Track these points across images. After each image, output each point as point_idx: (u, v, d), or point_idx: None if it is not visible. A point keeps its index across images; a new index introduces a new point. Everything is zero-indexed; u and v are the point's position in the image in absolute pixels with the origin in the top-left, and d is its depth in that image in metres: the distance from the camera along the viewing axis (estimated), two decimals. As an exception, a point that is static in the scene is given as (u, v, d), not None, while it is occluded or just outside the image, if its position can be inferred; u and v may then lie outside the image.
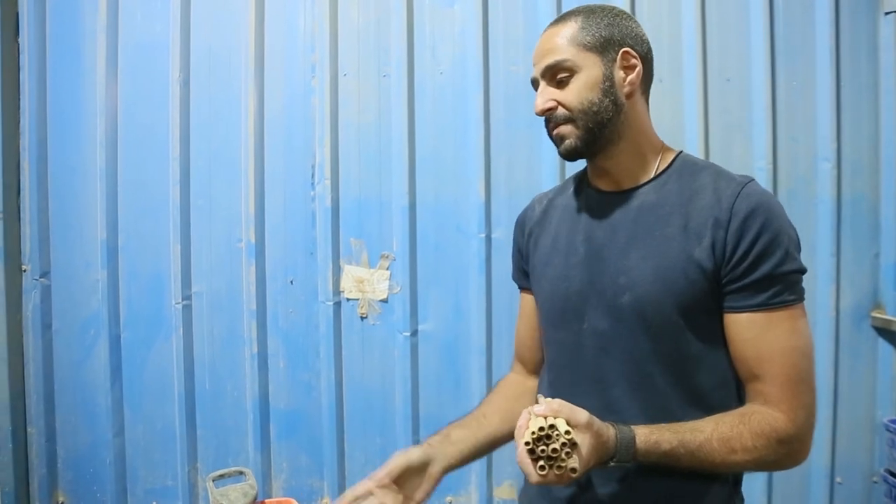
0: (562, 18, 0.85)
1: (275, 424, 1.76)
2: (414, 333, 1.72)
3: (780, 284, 0.74)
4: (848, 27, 1.68)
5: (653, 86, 0.86)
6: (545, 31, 0.86)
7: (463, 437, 0.89)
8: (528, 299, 0.99)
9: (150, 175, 1.75)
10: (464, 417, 0.94)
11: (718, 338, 0.78)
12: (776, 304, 0.74)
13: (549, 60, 0.82)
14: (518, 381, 1.02)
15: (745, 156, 1.68)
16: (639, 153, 0.85)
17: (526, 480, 0.94)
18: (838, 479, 1.67)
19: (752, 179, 0.79)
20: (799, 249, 0.77)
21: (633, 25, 0.85)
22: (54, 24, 1.76)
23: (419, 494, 0.82)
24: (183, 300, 1.74)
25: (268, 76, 1.75)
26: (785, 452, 0.73)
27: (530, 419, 0.69)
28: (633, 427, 0.72)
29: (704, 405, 0.78)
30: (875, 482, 1.67)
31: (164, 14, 1.74)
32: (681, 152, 0.87)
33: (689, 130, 1.67)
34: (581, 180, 0.94)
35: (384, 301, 1.73)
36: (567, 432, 0.66)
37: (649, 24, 1.68)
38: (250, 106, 1.73)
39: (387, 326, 1.73)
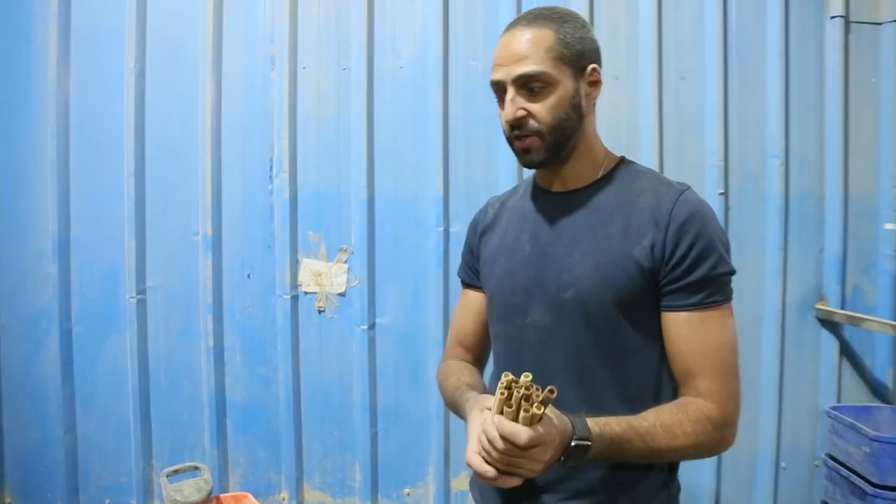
0: (533, 21, 0.82)
1: (231, 418, 1.74)
2: (371, 326, 1.72)
3: (714, 286, 0.79)
4: (797, 30, 1.75)
5: (610, 83, 0.88)
6: (514, 29, 0.83)
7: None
8: (474, 295, 1.01)
9: (104, 166, 1.71)
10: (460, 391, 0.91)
11: (653, 333, 0.83)
12: (710, 303, 0.79)
13: (527, 69, 0.80)
14: (467, 365, 1.01)
15: (698, 152, 1.73)
16: (588, 158, 0.88)
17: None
18: (783, 464, 1.74)
19: (689, 187, 0.83)
20: (729, 252, 0.82)
21: (595, 39, 0.86)
22: (2, 11, 1.70)
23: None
24: (137, 294, 1.71)
25: (226, 67, 1.73)
26: (719, 437, 0.78)
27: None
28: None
29: (637, 398, 0.81)
30: (817, 466, 1.74)
31: (120, 1, 1.70)
32: (623, 158, 0.91)
33: (644, 127, 1.71)
34: (531, 182, 0.97)
35: (342, 294, 1.73)
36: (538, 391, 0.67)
37: (607, 22, 1.72)
38: (208, 97, 1.71)
39: (344, 320, 1.73)
